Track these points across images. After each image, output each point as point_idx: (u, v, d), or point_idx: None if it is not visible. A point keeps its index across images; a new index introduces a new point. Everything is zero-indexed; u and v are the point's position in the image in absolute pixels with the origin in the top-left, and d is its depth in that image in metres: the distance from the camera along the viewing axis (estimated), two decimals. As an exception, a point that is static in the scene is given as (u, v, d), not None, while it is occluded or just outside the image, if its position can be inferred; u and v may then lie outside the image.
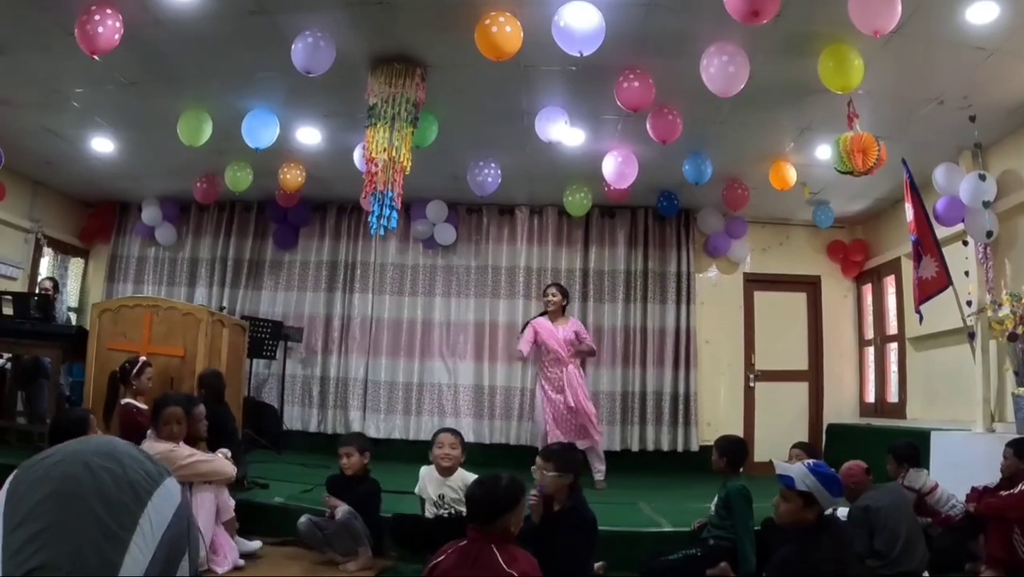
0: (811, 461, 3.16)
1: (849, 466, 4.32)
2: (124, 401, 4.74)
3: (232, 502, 4.20)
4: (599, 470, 6.49)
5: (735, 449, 4.35)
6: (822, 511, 3.04)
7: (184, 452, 3.93)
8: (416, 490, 4.43)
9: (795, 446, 4.94)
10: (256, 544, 4.31)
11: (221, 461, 4.15)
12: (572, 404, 6.36)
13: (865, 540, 4.04)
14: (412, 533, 4.18)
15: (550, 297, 6.69)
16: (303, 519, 4.26)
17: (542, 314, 6.78)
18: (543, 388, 6.58)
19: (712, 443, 4.47)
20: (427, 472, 4.42)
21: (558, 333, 6.55)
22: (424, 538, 3.89)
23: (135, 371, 4.79)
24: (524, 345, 6.61)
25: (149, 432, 4.01)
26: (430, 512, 4.29)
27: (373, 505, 4.38)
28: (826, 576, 2.93)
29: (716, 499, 4.27)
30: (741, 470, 4.33)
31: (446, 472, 4.31)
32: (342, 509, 4.18)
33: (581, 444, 6.16)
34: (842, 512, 4.46)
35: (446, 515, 4.16)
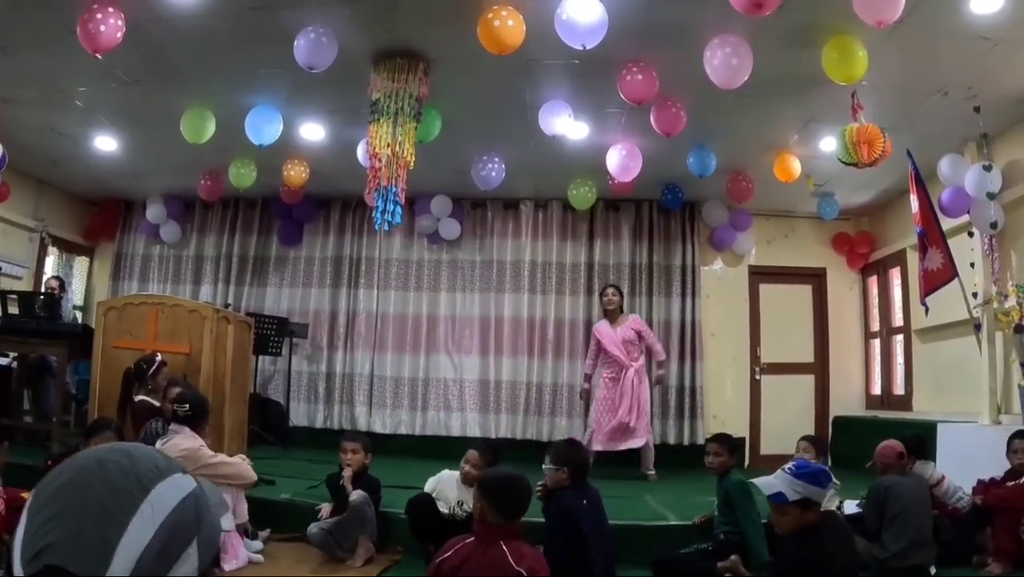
0: (791, 465, 3.03)
1: (884, 446, 4.37)
2: (139, 398, 4.77)
3: (246, 507, 4.24)
4: (648, 465, 6.67)
5: (735, 444, 4.47)
6: (819, 506, 3.02)
7: (208, 452, 4.00)
8: (429, 488, 4.39)
9: (803, 439, 4.93)
10: (259, 544, 4.33)
11: (244, 466, 4.21)
12: (624, 410, 6.47)
13: (875, 520, 4.04)
14: (429, 522, 4.18)
15: (610, 296, 6.83)
16: (313, 529, 4.24)
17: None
18: (600, 388, 6.75)
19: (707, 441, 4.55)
20: (450, 476, 4.41)
21: (616, 335, 6.67)
22: (439, 529, 3.92)
23: (152, 371, 4.83)
24: (588, 367, 6.92)
25: (173, 426, 4.06)
26: (444, 513, 4.27)
27: (373, 500, 4.37)
28: (834, 571, 2.91)
29: (717, 499, 4.28)
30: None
31: (472, 483, 4.29)
32: (357, 493, 4.18)
33: (631, 444, 6.46)
34: (851, 506, 4.46)
35: (463, 516, 4.14)
